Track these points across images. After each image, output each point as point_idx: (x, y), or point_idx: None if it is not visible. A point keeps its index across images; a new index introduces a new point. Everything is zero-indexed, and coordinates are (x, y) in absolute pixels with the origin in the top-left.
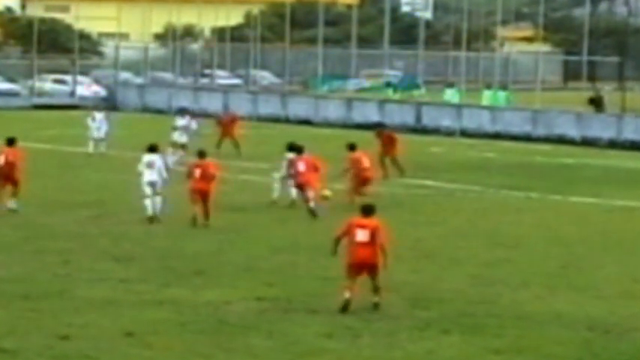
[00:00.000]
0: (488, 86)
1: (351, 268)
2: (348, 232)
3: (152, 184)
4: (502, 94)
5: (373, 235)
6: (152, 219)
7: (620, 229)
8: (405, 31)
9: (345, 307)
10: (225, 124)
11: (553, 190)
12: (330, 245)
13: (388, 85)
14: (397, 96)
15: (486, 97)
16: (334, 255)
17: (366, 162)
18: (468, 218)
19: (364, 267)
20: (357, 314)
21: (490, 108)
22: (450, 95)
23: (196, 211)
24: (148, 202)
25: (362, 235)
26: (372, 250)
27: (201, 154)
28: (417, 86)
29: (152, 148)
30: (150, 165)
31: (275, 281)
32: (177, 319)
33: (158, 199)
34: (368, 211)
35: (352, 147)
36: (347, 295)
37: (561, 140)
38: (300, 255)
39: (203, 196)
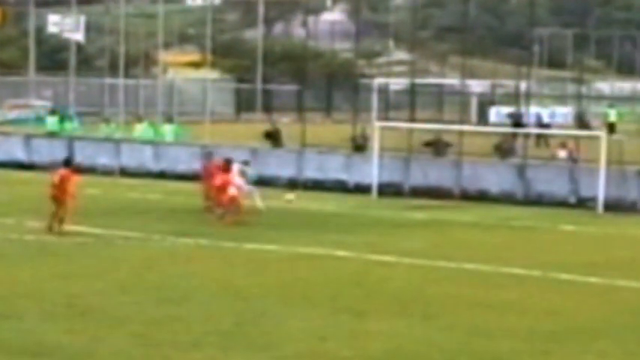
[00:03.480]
0: (139, 119)
1: None
2: None
3: None
4: (169, 128)
5: None
6: None
7: (303, 280)
8: (53, 56)
9: None
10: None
11: (226, 237)
12: None
13: (41, 116)
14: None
15: (139, 130)
16: None
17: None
18: (130, 270)
19: None
20: None
21: (153, 143)
22: (108, 131)
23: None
24: None
25: None
26: None
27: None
28: (69, 118)
29: None
30: None
31: None
32: None
33: None
34: None
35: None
36: None
37: None
38: None
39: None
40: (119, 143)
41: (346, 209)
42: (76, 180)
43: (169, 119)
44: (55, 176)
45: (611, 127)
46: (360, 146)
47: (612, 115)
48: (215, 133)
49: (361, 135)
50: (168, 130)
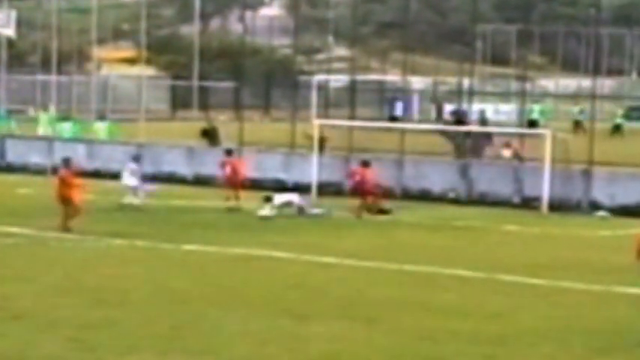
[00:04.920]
0: (65, 118)
1: None
2: None
3: None
4: (102, 125)
5: None
6: None
7: (242, 282)
8: None
9: None
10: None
11: (163, 238)
12: None
13: None
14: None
15: (64, 130)
16: None
17: None
18: (65, 272)
19: None
20: None
21: (87, 142)
22: (46, 119)
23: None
24: None
25: None
26: None
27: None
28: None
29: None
30: None
31: None
32: None
33: None
34: None
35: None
36: None
37: (171, 179)
38: None
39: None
40: (51, 141)
41: (286, 209)
42: (77, 183)
43: (102, 117)
44: (57, 179)
45: (532, 124)
46: (319, 147)
47: (535, 112)
48: (150, 131)
49: (320, 136)
50: (100, 128)
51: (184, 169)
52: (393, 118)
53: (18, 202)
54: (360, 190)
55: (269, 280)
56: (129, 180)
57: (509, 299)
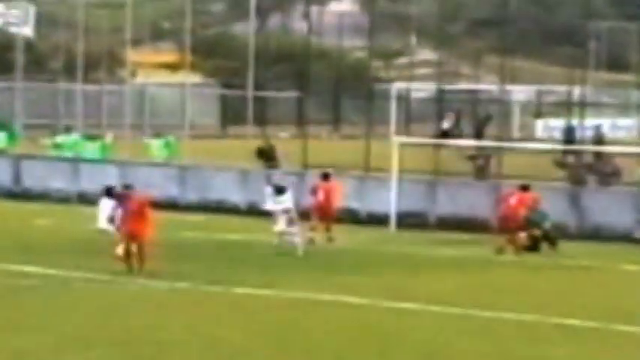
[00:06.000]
0: (90, 137)
1: None
2: None
3: None
4: (157, 143)
5: None
6: None
7: (304, 332)
8: None
9: None
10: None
11: (210, 279)
12: None
13: None
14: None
15: (89, 149)
16: None
17: None
18: (89, 319)
19: None
20: None
21: (119, 163)
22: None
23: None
24: None
25: None
26: None
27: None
28: (9, 131)
29: None
30: None
31: None
32: None
33: None
34: None
35: None
36: None
37: (221, 208)
38: None
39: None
40: (76, 163)
41: (358, 245)
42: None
43: (157, 134)
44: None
45: None
46: (481, 170)
47: None
48: (196, 150)
49: (483, 156)
50: (156, 146)
51: (236, 197)
52: (444, 134)
53: (36, 236)
54: (510, 221)
55: (336, 329)
56: (273, 206)
57: (628, 354)
